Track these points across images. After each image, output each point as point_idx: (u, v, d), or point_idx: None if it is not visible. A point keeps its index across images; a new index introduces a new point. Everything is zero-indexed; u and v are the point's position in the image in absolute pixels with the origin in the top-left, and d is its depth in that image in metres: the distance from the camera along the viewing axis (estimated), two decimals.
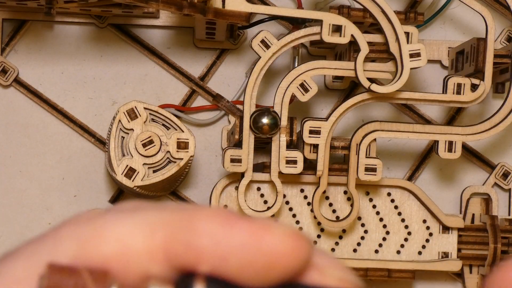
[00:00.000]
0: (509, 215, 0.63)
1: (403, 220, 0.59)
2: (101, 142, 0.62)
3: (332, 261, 0.23)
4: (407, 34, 0.55)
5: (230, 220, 0.22)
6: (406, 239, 0.59)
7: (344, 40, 0.55)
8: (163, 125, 0.55)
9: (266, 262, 0.22)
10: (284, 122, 0.55)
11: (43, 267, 0.22)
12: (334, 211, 0.59)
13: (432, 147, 0.63)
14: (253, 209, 0.57)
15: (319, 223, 0.58)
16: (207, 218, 0.22)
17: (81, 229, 0.23)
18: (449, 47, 0.62)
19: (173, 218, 0.22)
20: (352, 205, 0.57)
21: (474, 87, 0.56)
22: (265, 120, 0.54)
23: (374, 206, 0.59)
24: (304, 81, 0.55)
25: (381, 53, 0.55)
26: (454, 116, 0.63)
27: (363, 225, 0.59)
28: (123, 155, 0.54)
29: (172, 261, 0.22)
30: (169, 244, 0.22)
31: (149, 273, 0.22)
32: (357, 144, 0.56)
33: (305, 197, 0.58)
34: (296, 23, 0.57)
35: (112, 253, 0.22)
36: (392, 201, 0.59)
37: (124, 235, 0.22)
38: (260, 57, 0.55)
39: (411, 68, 0.55)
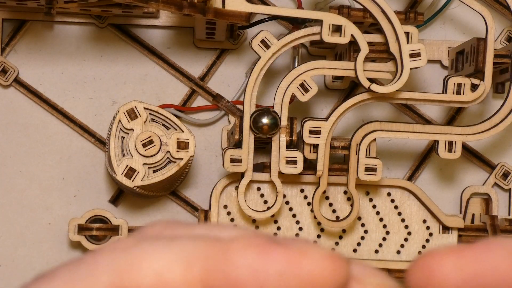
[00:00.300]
0: (509, 215, 0.63)
1: (403, 220, 0.59)
2: (101, 142, 0.62)
3: (369, 269, 0.23)
4: (407, 34, 0.55)
5: (266, 248, 0.22)
6: (406, 239, 0.59)
7: (344, 40, 0.55)
8: (163, 125, 0.55)
9: (304, 286, 0.22)
10: (284, 122, 0.55)
11: None
12: (334, 211, 0.59)
13: (432, 147, 0.63)
14: (253, 209, 0.57)
15: (319, 223, 0.58)
16: (243, 248, 0.22)
17: (118, 259, 0.23)
18: (449, 47, 0.62)
19: (209, 249, 0.22)
20: (352, 205, 0.57)
21: (474, 87, 0.56)
22: (265, 120, 0.54)
23: (374, 206, 0.59)
24: (304, 81, 0.55)
25: (381, 53, 0.55)
26: (454, 116, 0.63)
27: (363, 225, 0.59)
28: (123, 155, 0.54)
29: None
30: (207, 277, 0.22)
31: None
32: (357, 144, 0.56)
33: (305, 197, 0.58)
34: (296, 23, 0.57)
35: (149, 286, 0.22)
36: (392, 201, 0.59)
37: (161, 268, 0.22)
38: (260, 57, 0.55)
39: (411, 68, 0.55)
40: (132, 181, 0.54)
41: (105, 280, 0.22)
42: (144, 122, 0.54)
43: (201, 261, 0.22)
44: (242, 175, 0.56)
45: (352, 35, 0.55)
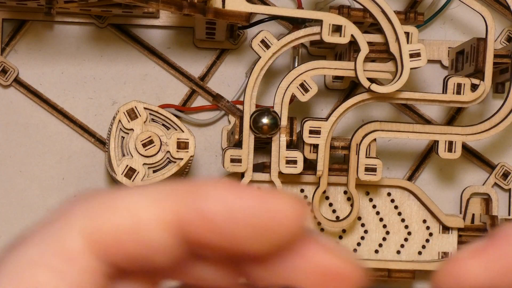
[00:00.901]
0: (509, 215, 0.63)
1: (403, 220, 0.59)
2: (101, 142, 0.62)
3: (340, 247, 0.24)
4: (407, 34, 0.55)
5: (238, 186, 0.23)
6: (406, 239, 0.59)
7: (344, 40, 0.55)
8: (163, 125, 0.55)
9: (270, 223, 0.22)
10: (284, 122, 0.55)
11: (57, 247, 0.22)
12: (334, 211, 0.59)
13: (432, 147, 0.63)
14: None
15: (319, 223, 0.58)
16: (216, 186, 0.23)
17: (91, 204, 0.23)
18: (449, 47, 0.62)
19: (183, 187, 0.23)
20: (352, 205, 0.57)
21: (474, 87, 0.56)
22: (265, 120, 0.54)
23: (374, 206, 0.59)
24: (304, 81, 0.55)
25: (381, 53, 0.55)
26: (454, 116, 0.63)
27: (363, 225, 0.59)
28: (123, 155, 0.54)
29: (184, 231, 0.22)
30: (181, 211, 0.22)
31: (160, 247, 0.22)
32: (357, 144, 0.56)
33: (305, 197, 0.58)
34: (296, 23, 0.57)
35: (124, 225, 0.22)
36: (392, 201, 0.59)
37: (136, 207, 0.22)
38: (260, 57, 0.55)
39: (411, 68, 0.55)
40: (132, 181, 0.54)
41: (79, 226, 0.22)
42: (144, 122, 0.54)
43: (175, 198, 0.23)
44: (242, 175, 0.56)
45: (352, 35, 0.55)
